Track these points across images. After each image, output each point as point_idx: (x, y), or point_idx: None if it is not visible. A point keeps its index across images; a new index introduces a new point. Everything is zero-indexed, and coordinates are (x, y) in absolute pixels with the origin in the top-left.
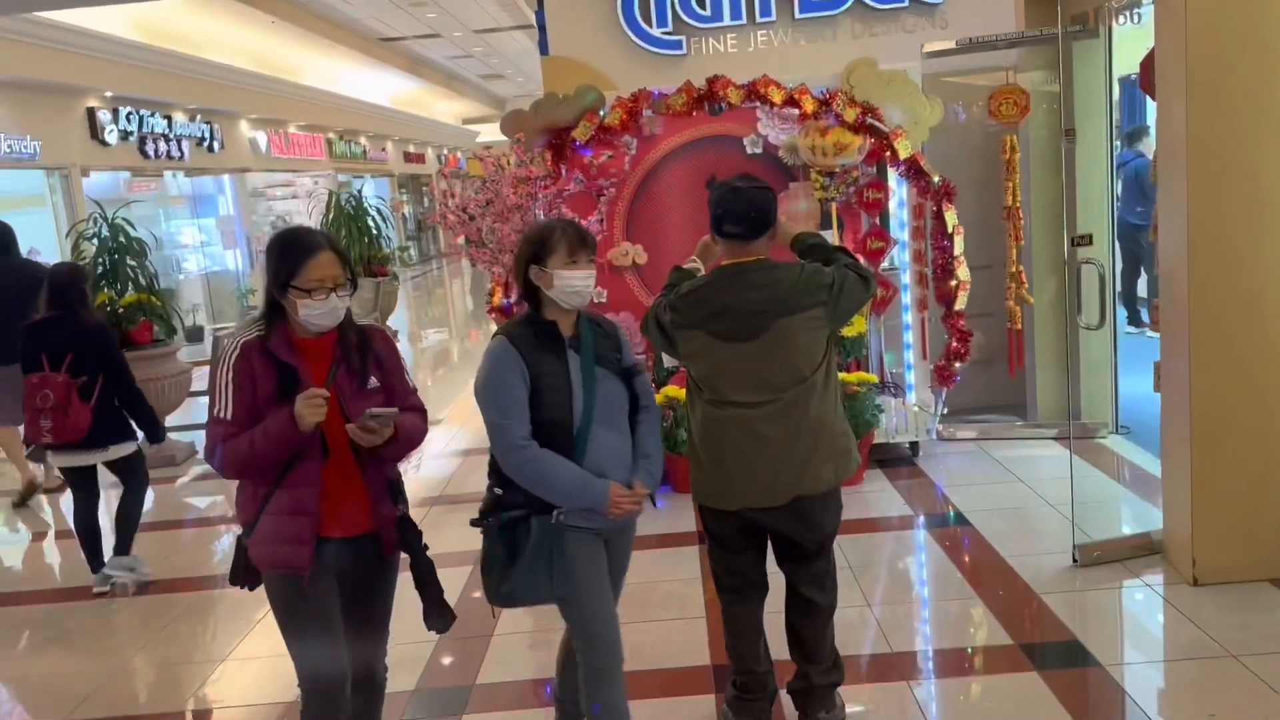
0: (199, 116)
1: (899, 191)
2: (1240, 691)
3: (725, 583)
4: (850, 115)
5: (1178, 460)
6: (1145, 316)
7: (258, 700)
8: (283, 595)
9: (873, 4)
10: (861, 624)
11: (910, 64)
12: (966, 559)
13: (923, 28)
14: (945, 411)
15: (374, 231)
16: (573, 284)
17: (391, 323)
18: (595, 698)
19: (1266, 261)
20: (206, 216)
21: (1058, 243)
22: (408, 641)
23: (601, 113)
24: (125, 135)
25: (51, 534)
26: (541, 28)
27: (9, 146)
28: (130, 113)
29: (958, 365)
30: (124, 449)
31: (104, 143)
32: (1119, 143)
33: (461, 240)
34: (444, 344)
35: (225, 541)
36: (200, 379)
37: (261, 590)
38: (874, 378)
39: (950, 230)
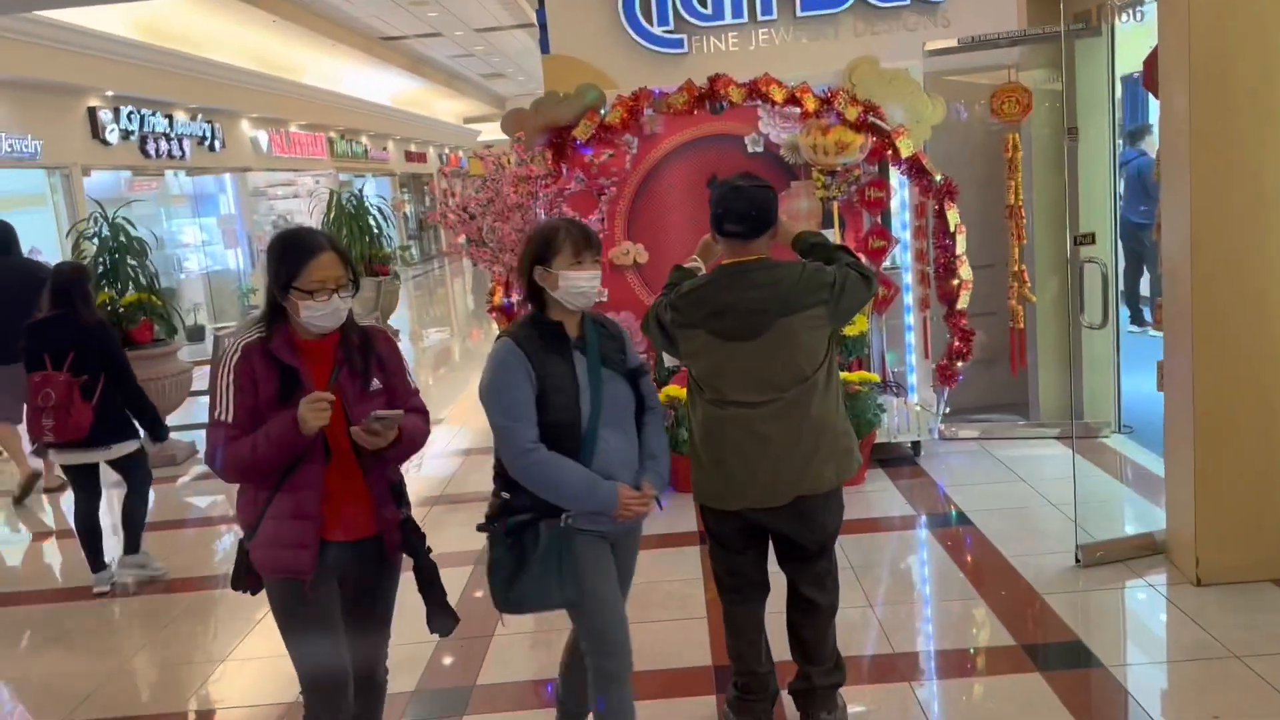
0: (200, 116)
1: (901, 190)
2: (1244, 693)
3: (726, 583)
4: (852, 114)
5: (1181, 459)
6: (1148, 316)
7: (258, 701)
8: (284, 600)
9: (874, 2)
10: (863, 624)
11: (912, 62)
12: (968, 559)
13: (924, 26)
14: (947, 411)
15: (375, 231)
16: (578, 285)
17: (393, 322)
18: (603, 700)
19: (1270, 260)
20: (208, 215)
21: (1060, 241)
22: (408, 642)
23: (602, 111)
24: (126, 134)
25: (52, 534)
26: (543, 26)
27: (10, 146)
28: (131, 112)
29: (960, 364)
30: (126, 447)
31: (105, 142)
32: (1121, 141)
33: (462, 239)
34: (445, 343)
35: (226, 541)
36: (201, 378)
37: (263, 591)
38: (876, 377)
39: (952, 229)
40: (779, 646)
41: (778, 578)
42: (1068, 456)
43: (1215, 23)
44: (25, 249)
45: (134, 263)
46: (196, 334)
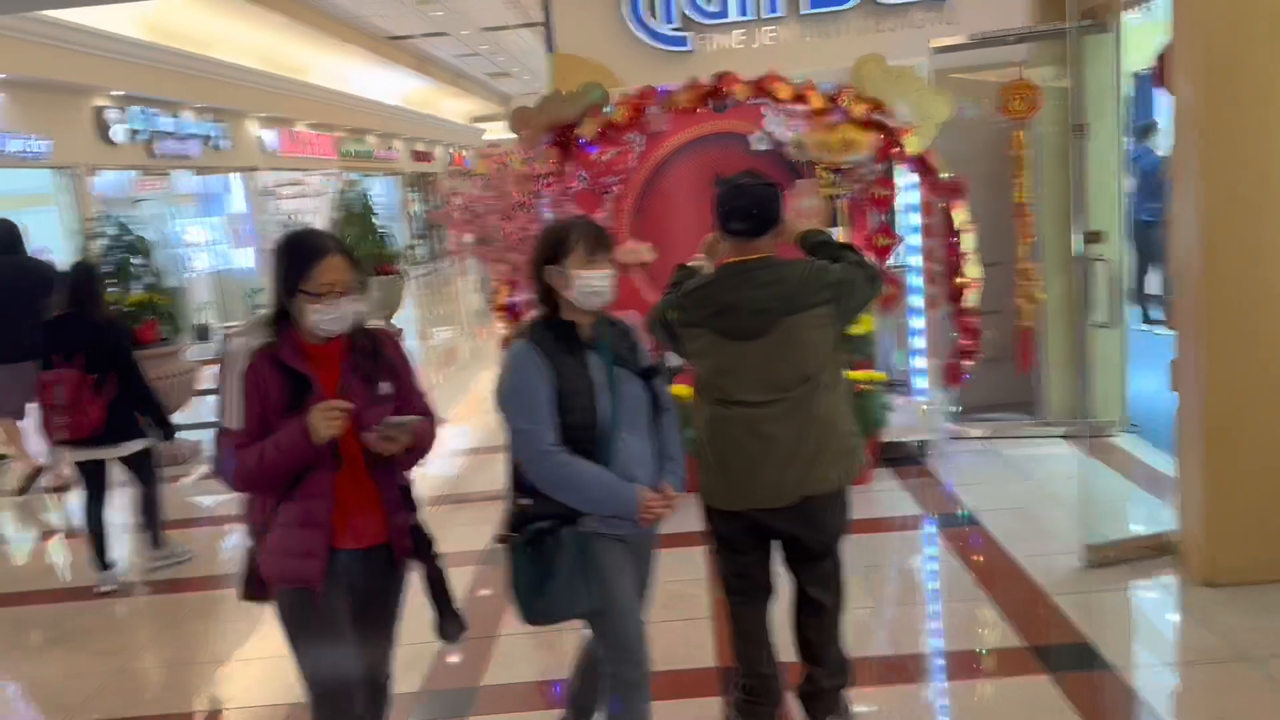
0: (207, 115)
1: (907, 188)
2: (1255, 695)
3: (732, 584)
4: (858, 111)
5: (1192, 459)
6: (1157, 314)
7: (263, 701)
8: (293, 608)
9: None
10: (870, 625)
11: (919, 59)
12: (976, 559)
13: (931, 23)
14: (955, 410)
15: (380, 230)
16: (592, 284)
17: (397, 320)
18: (618, 702)
19: None
20: (215, 215)
21: (1068, 239)
22: (413, 643)
23: (607, 109)
24: (133, 134)
25: (56, 533)
26: (548, 25)
27: (21, 146)
28: (138, 112)
29: (967, 363)
30: (136, 444)
31: (112, 142)
32: (1130, 138)
33: (469, 238)
34: (451, 342)
35: (231, 541)
36: (207, 378)
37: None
38: (882, 376)
39: (959, 227)
40: (785, 648)
41: (784, 579)
42: (1076, 456)
43: (1228, 16)
44: (33, 248)
45: (140, 262)
46: (204, 333)
